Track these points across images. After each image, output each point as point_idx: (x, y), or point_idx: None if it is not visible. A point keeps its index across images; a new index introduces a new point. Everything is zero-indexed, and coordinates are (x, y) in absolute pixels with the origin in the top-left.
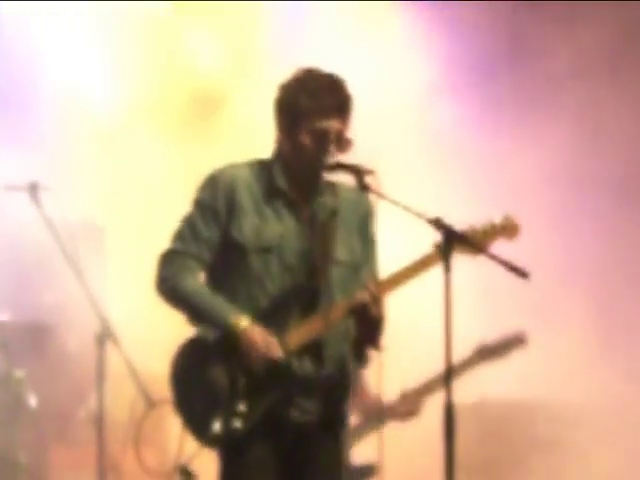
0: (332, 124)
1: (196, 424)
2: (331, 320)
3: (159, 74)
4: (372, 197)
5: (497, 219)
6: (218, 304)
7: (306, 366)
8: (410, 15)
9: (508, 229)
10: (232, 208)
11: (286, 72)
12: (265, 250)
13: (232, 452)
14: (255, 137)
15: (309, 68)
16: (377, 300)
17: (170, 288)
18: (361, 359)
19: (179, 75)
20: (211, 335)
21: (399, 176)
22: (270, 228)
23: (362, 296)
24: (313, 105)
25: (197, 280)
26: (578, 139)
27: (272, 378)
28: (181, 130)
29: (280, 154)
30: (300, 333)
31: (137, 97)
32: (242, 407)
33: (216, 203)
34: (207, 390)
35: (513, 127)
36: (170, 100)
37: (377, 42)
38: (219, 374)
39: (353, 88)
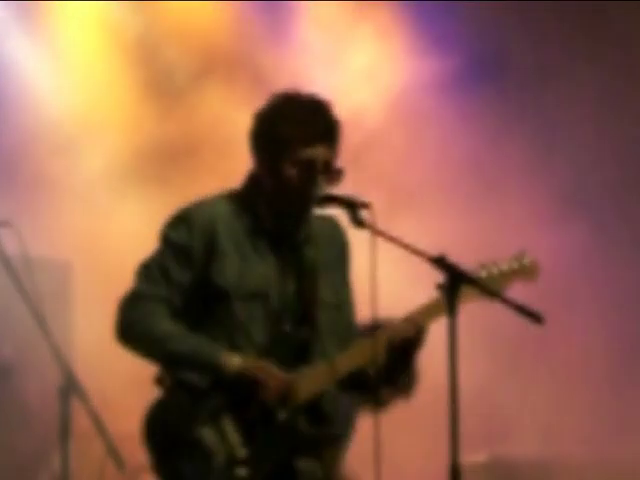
0: (319, 152)
1: None
2: (343, 367)
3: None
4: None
5: (513, 258)
6: (202, 345)
7: (305, 424)
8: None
9: (527, 270)
10: (212, 251)
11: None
12: (250, 296)
13: None
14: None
15: (286, 93)
16: (422, 331)
17: (140, 332)
18: (380, 401)
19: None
20: (196, 380)
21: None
22: (254, 272)
23: (407, 329)
24: (296, 133)
25: (173, 323)
26: None
27: (274, 437)
28: (158, 167)
29: (259, 186)
30: (304, 388)
31: (110, 122)
32: (242, 472)
33: (192, 245)
34: (197, 450)
35: None
36: (150, 126)
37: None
38: (209, 432)
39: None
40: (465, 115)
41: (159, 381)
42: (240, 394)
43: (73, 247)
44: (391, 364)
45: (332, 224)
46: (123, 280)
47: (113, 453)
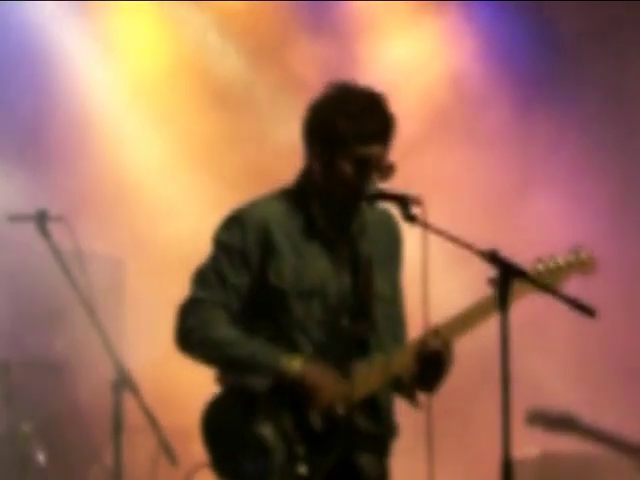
0: (374, 150)
1: None
2: (396, 367)
3: (182, 92)
4: (419, 229)
5: (569, 252)
6: (263, 348)
7: (363, 420)
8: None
9: (584, 264)
10: (267, 251)
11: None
12: (307, 294)
13: None
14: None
15: (344, 85)
16: (449, 346)
17: (200, 340)
18: (414, 400)
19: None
20: (258, 386)
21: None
22: (311, 269)
23: (435, 342)
24: (353, 129)
25: (232, 328)
26: None
27: (333, 433)
28: (210, 152)
29: (312, 182)
30: (364, 382)
31: (161, 122)
32: (303, 470)
33: (246, 246)
34: (258, 448)
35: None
36: (197, 130)
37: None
38: (267, 430)
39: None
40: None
41: (220, 380)
42: (300, 397)
43: (126, 243)
44: (422, 374)
45: (387, 216)
46: (175, 277)
47: (166, 448)
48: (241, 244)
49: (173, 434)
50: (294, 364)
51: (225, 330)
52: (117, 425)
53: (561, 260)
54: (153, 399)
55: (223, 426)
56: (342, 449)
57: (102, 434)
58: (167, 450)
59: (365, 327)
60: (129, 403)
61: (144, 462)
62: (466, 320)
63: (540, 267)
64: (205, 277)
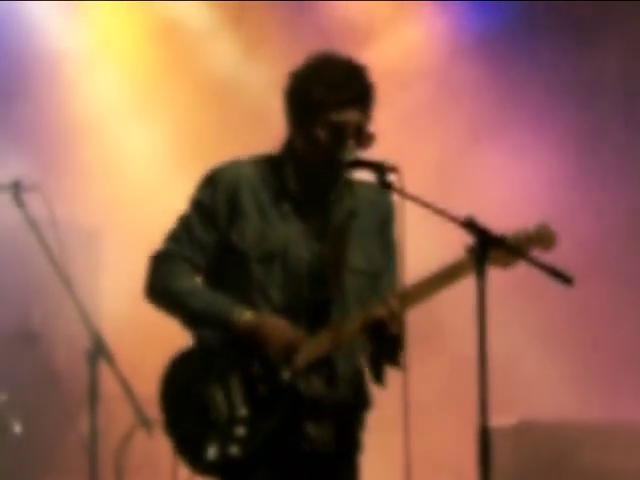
0: (350, 116)
1: (188, 448)
2: (342, 337)
3: (160, 67)
4: (395, 197)
5: (531, 227)
6: (217, 301)
7: (315, 386)
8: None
9: (544, 239)
10: (234, 210)
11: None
12: (268, 257)
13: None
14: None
15: (324, 53)
16: (396, 316)
17: (162, 290)
18: (379, 378)
19: (182, 68)
20: (212, 338)
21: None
22: (274, 232)
23: (378, 311)
24: (329, 95)
25: (192, 281)
26: None
27: (276, 399)
28: (186, 122)
29: (291, 149)
30: (308, 350)
31: (135, 85)
32: (241, 431)
33: (216, 204)
34: (202, 410)
35: None
36: (173, 91)
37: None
38: (216, 392)
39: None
40: None
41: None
42: (248, 350)
43: (101, 213)
44: (374, 345)
45: (378, 191)
46: (151, 246)
47: (141, 416)
48: (211, 202)
49: (148, 400)
50: (246, 315)
51: (185, 282)
52: (93, 394)
53: (522, 235)
54: (129, 367)
55: (175, 384)
56: (284, 415)
57: (78, 403)
58: (142, 417)
59: (325, 295)
60: (105, 372)
61: (120, 431)
62: (432, 284)
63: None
64: (175, 232)
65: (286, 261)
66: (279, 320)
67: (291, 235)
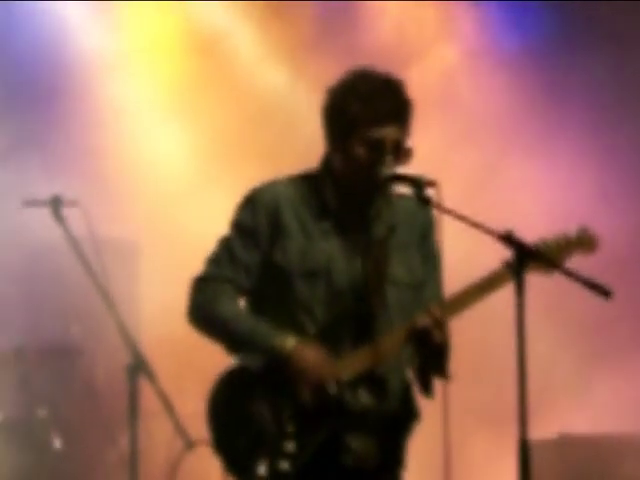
0: (388, 132)
1: (238, 466)
2: (387, 348)
3: (197, 80)
4: (434, 212)
5: (571, 232)
6: (260, 327)
7: (363, 399)
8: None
9: (585, 243)
10: (275, 230)
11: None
12: (312, 274)
13: None
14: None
15: (361, 69)
16: (440, 325)
17: (204, 315)
18: (427, 389)
19: (222, 78)
20: (254, 363)
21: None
22: (317, 250)
23: (423, 321)
24: (365, 111)
25: (234, 305)
26: None
27: (323, 413)
28: (224, 134)
29: (329, 167)
30: (353, 362)
31: (176, 106)
32: (290, 447)
33: (257, 225)
34: (250, 427)
35: None
36: (211, 102)
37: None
38: (263, 408)
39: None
40: None
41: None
42: (290, 375)
43: (140, 228)
44: (421, 354)
45: (416, 203)
46: (189, 262)
47: (181, 432)
48: (252, 223)
49: (189, 417)
50: (287, 343)
51: (228, 306)
52: (133, 410)
53: (563, 239)
54: (169, 383)
55: (222, 403)
56: (331, 428)
57: (118, 419)
58: (183, 434)
59: (369, 310)
60: (145, 388)
61: (160, 446)
62: (471, 294)
63: (544, 247)
64: (217, 254)
65: (329, 278)
66: (319, 350)
67: (333, 252)
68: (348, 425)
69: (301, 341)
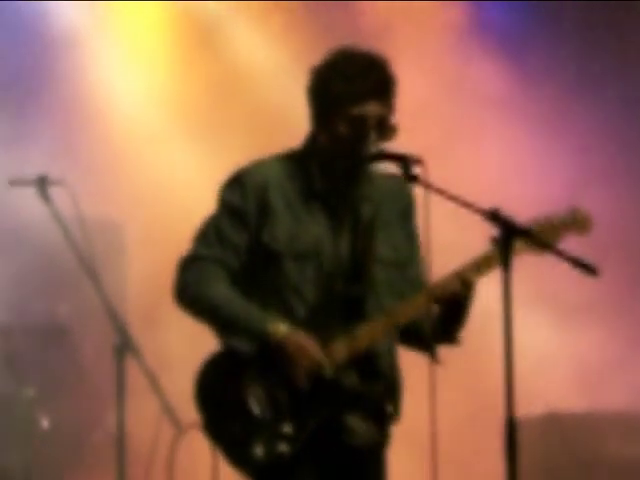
0: (370, 109)
1: (234, 449)
2: (378, 331)
3: (182, 64)
4: (419, 189)
5: (564, 212)
6: (251, 311)
7: (353, 380)
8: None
9: (578, 223)
10: (263, 211)
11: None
12: (301, 255)
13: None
14: (287, 127)
15: (343, 48)
16: (470, 286)
17: (193, 296)
18: (436, 358)
19: (204, 66)
20: (245, 347)
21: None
22: (306, 231)
23: (453, 283)
24: (347, 89)
25: (225, 286)
26: None
27: (319, 394)
28: (205, 121)
29: (315, 146)
30: (347, 344)
31: (158, 87)
32: (287, 428)
33: (245, 205)
34: (244, 409)
35: None
36: (193, 91)
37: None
38: (257, 390)
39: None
40: None
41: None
42: (283, 361)
43: (126, 208)
44: (444, 319)
45: (397, 181)
46: (176, 240)
47: (168, 411)
48: (241, 203)
49: (177, 396)
50: (280, 328)
51: (219, 288)
52: (120, 389)
53: (556, 220)
54: (155, 362)
55: (213, 387)
56: (328, 410)
57: (105, 398)
58: (170, 413)
59: (360, 290)
60: (132, 367)
61: (147, 425)
62: (461, 276)
63: (536, 227)
64: (206, 234)
65: (319, 260)
66: (310, 337)
67: (322, 233)
68: (345, 406)
69: (292, 328)
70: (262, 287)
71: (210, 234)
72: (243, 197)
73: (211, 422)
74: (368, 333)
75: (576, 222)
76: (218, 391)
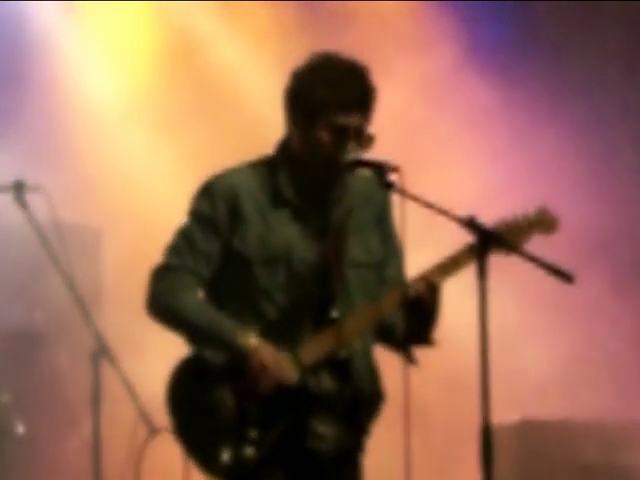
0: (353, 120)
1: (201, 453)
2: (349, 330)
3: (159, 62)
4: (396, 196)
5: (530, 212)
6: (222, 322)
7: (326, 383)
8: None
9: (545, 224)
10: (234, 218)
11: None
12: (272, 261)
13: None
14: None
15: (326, 54)
16: (435, 289)
17: (165, 306)
18: (411, 359)
19: (183, 63)
20: (215, 359)
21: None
22: (276, 236)
23: (417, 286)
24: (332, 98)
25: (196, 297)
26: None
27: (286, 398)
28: (186, 123)
29: (287, 150)
30: (316, 347)
31: (137, 88)
32: (253, 433)
33: (216, 213)
34: (212, 414)
35: None
36: (174, 94)
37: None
38: (225, 395)
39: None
40: None
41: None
42: (250, 371)
43: (103, 214)
44: (411, 322)
45: (371, 184)
46: (152, 246)
47: (144, 417)
48: (210, 212)
49: (152, 403)
50: (250, 341)
51: (189, 299)
52: (96, 395)
53: (523, 220)
54: (131, 369)
55: (182, 391)
56: (293, 414)
57: (81, 404)
58: (146, 419)
59: (330, 293)
60: (108, 374)
61: (123, 431)
62: (442, 270)
63: (504, 227)
64: (176, 244)
65: (289, 264)
66: (276, 351)
67: (293, 238)
68: (312, 409)
69: (262, 339)
70: (233, 293)
71: (181, 244)
72: (213, 206)
73: (180, 426)
74: (334, 335)
75: (543, 222)
76: (187, 395)
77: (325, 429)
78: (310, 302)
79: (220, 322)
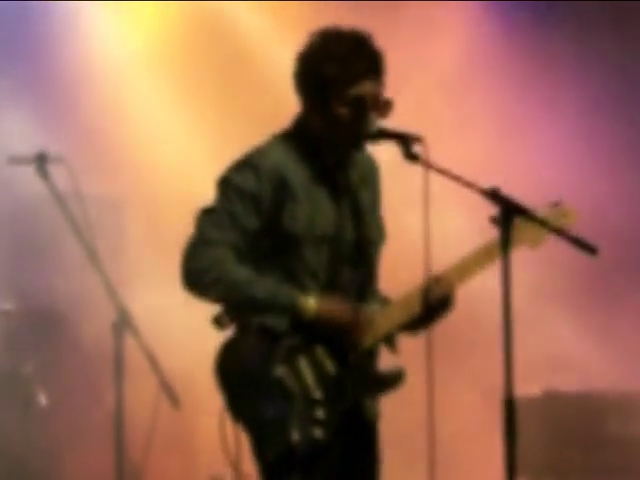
0: (366, 88)
1: (266, 434)
2: (396, 315)
3: (186, 37)
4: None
5: (547, 206)
6: (280, 288)
7: (370, 364)
8: None
9: (566, 215)
10: (282, 196)
11: None
12: (320, 239)
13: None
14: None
15: (327, 30)
16: (452, 291)
17: (215, 279)
18: (392, 344)
19: (208, 43)
20: (276, 324)
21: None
22: (322, 216)
23: (438, 289)
24: (341, 72)
25: (244, 268)
26: None
27: (346, 378)
28: (209, 97)
29: (312, 131)
30: (385, 321)
31: (160, 59)
32: (321, 413)
33: (260, 191)
34: (276, 392)
35: None
36: (199, 66)
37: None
38: (287, 372)
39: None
40: None
41: (217, 321)
42: (316, 334)
43: (127, 185)
44: (424, 318)
45: (370, 161)
46: (174, 216)
47: (167, 390)
48: (255, 189)
49: (174, 376)
50: (310, 302)
51: (241, 270)
52: (118, 367)
53: (541, 214)
54: (154, 342)
55: (240, 368)
56: (354, 393)
57: (104, 376)
58: (168, 392)
59: (363, 275)
60: (131, 346)
61: (146, 404)
62: (469, 266)
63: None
64: (216, 217)
65: (335, 244)
66: (340, 301)
67: (335, 217)
68: (367, 389)
69: (322, 297)
70: (275, 270)
71: (222, 217)
72: (258, 183)
73: (239, 403)
74: (395, 317)
75: (563, 214)
76: (246, 371)
77: (368, 401)
78: (349, 283)
79: (277, 288)
